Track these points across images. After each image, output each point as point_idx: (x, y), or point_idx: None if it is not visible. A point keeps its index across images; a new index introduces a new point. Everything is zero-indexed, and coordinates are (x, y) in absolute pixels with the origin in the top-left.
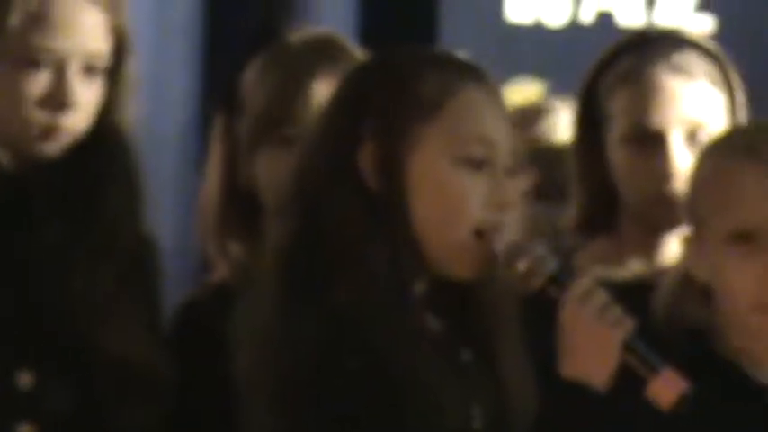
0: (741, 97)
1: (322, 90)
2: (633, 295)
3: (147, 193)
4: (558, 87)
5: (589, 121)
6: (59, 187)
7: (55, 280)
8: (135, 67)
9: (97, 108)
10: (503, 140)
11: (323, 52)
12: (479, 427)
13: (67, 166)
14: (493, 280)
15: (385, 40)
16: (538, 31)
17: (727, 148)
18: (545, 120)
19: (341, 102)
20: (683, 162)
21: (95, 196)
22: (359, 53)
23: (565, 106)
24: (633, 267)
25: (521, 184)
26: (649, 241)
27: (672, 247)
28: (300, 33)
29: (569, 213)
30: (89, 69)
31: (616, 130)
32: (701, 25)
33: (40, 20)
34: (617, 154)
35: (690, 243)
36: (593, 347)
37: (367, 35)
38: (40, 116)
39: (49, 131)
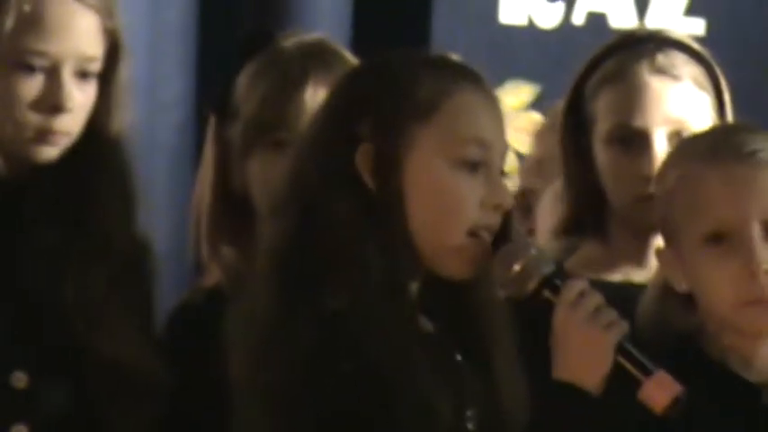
0: (727, 99)
1: (315, 95)
2: (622, 301)
3: (140, 197)
4: (550, 89)
5: (576, 124)
6: (52, 190)
7: (48, 283)
8: (129, 70)
9: (91, 111)
10: (498, 142)
11: (316, 57)
12: (473, 429)
13: (61, 169)
14: (486, 281)
15: (378, 42)
16: (530, 32)
17: (691, 154)
18: None
19: (337, 103)
20: None
21: (88, 200)
22: (351, 58)
23: None
24: (623, 272)
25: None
26: (638, 245)
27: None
28: (293, 38)
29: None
30: (83, 73)
31: (601, 131)
32: (692, 28)
33: (33, 23)
34: (602, 155)
35: (664, 254)
36: (586, 350)
37: (360, 37)
38: (33, 119)
39: (42, 134)
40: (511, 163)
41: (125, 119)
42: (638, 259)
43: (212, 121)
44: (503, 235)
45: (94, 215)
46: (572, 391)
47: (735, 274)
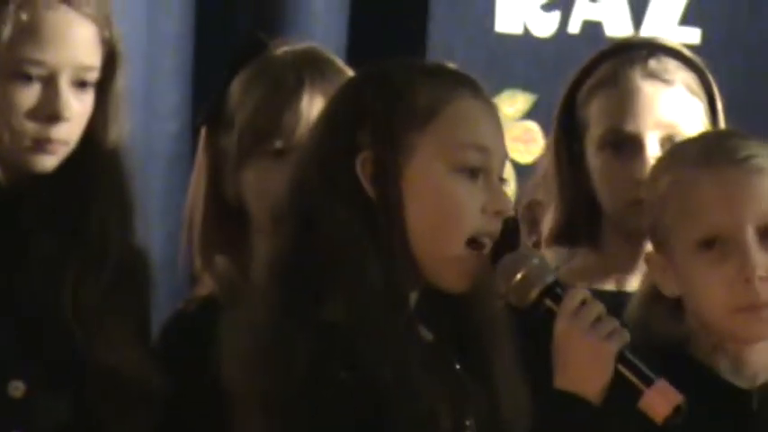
0: (720, 106)
1: (311, 103)
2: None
3: (137, 206)
4: (546, 97)
5: (569, 130)
6: (50, 199)
7: (45, 291)
8: (126, 80)
9: (88, 121)
10: (497, 148)
11: (310, 65)
12: None
13: (58, 178)
14: (485, 291)
15: (374, 51)
16: (526, 41)
17: (682, 160)
18: None
19: (336, 112)
20: None
21: (86, 209)
22: (344, 66)
23: None
24: (616, 279)
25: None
26: (630, 251)
27: None
28: (286, 47)
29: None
30: (80, 82)
31: (594, 136)
32: (687, 37)
33: (31, 32)
34: (595, 160)
35: (653, 261)
36: (587, 359)
37: (356, 46)
38: (31, 128)
39: (40, 143)
40: (507, 172)
41: (122, 128)
42: (631, 266)
43: (204, 130)
44: (509, 243)
45: (92, 224)
46: (573, 401)
47: (729, 279)
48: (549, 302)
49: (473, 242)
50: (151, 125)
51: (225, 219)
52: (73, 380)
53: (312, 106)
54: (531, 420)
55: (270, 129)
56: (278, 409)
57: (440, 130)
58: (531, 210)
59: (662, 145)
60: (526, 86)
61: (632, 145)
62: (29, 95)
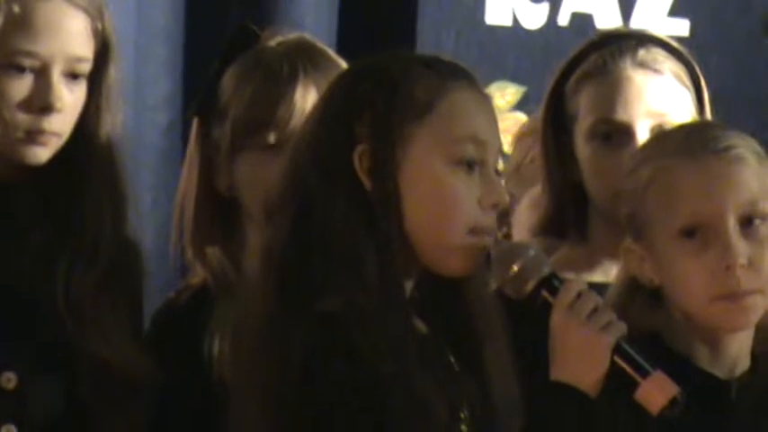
0: (707, 97)
1: (305, 94)
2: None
3: (129, 198)
4: (536, 89)
5: (557, 121)
6: (42, 191)
7: (37, 283)
8: (119, 71)
9: (81, 113)
10: (493, 140)
11: (304, 56)
12: (466, 430)
13: (50, 170)
14: (479, 282)
15: (364, 43)
16: (516, 33)
17: (663, 150)
18: None
19: (333, 104)
20: None
21: (78, 201)
22: (335, 56)
23: None
24: (604, 270)
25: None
26: (618, 242)
27: None
28: (278, 38)
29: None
30: (73, 74)
31: (583, 126)
32: (676, 29)
33: (23, 24)
34: (584, 150)
35: (631, 251)
36: (583, 351)
37: (346, 38)
38: (23, 119)
39: (32, 135)
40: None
41: (115, 120)
42: (618, 257)
43: (196, 121)
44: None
45: (84, 216)
46: (569, 392)
47: (710, 267)
48: (545, 294)
49: (474, 233)
50: (142, 116)
51: (216, 209)
52: (65, 371)
53: (306, 98)
54: (524, 411)
55: (264, 120)
56: (274, 401)
57: (437, 123)
58: None
59: (652, 134)
60: (516, 78)
61: (623, 134)
62: (21, 87)
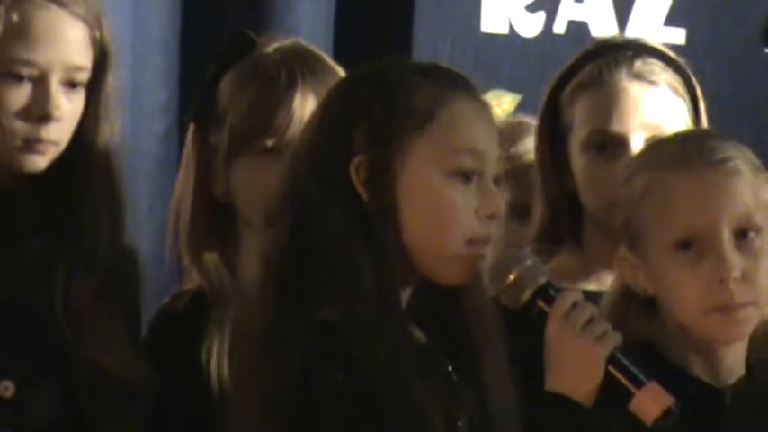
0: (703, 107)
1: (303, 101)
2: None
3: (126, 205)
4: (532, 97)
5: (552, 130)
6: (40, 199)
7: (35, 291)
8: (117, 80)
9: (79, 121)
10: (491, 150)
11: (302, 63)
12: None
13: (48, 178)
14: (477, 291)
15: (360, 50)
16: (512, 40)
17: (658, 160)
18: (523, 138)
19: (331, 113)
20: None
21: (76, 209)
22: (332, 62)
23: None
24: (598, 279)
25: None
26: (612, 251)
27: None
28: (275, 44)
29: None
30: (71, 82)
31: (578, 137)
32: (672, 37)
33: (21, 32)
34: (579, 161)
35: (625, 260)
36: (578, 361)
37: (342, 46)
38: (21, 128)
39: (30, 143)
40: None
41: (113, 129)
42: (613, 266)
43: (192, 126)
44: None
45: (82, 224)
46: (564, 403)
47: (704, 280)
48: (541, 303)
49: (472, 243)
50: (138, 124)
51: (213, 215)
52: (63, 379)
53: (304, 105)
54: (522, 421)
55: (262, 127)
56: (272, 407)
57: (435, 135)
58: None
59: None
60: (512, 86)
61: (617, 146)
62: (19, 95)
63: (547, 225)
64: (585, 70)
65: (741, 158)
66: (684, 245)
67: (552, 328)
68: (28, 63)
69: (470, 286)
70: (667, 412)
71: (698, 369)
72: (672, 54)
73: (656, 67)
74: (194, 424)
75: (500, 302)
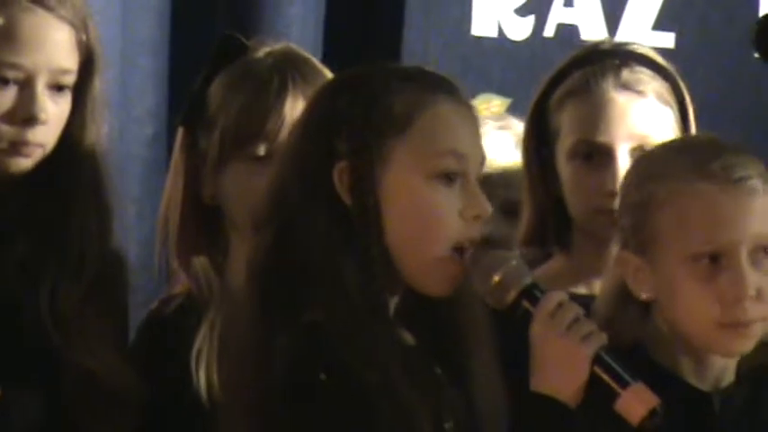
0: (692, 113)
1: (294, 106)
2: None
3: (114, 209)
4: (521, 101)
5: (539, 136)
6: (27, 203)
7: (22, 295)
8: (104, 83)
9: (66, 124)
10: (474, 152)
11: (292, 67)
12: None
13: (35, 181)
14: (466, 294)
15: (350, 54)
16: (501, 44)
17: (678, 170)
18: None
19: (313, 119)
20: None
21: (63, 212)
22: (322, 66)
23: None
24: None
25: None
26: (600, 256)
27: None
28: (265, 48)
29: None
30: (57, 85)
31: (564, 145)
32: (661, 41)
33: (7, 36)
34: (565, 168)
35: (627, 262)
36: (563, 362)
37: (332, 49)
38: (7, 131)
39: (16, 146)
40: None
41: (100, 132)
42: (601, 270)
43: (181, 130)
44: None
45: (69, 228)
46: (548, 403)
47: (719, 295)
48: (526, 304)
49: (457, 249)
50: (127, 128)
51: (202, 219)
52: (49, 382)
53: (295, 109)
54: (508, 423)
55: (254, 132)
56: (259, 410)
57: (417, 138)
58: None
59: (632, 156)
60: (501, 90)
61: (603, 155)
62: (5, 98)
63: (534, 228)
64: (573, 77)
65: (758, 175)
66: (703, 259)
67: (537, 328)
68: (14, 66)
69: (458, 290)
70: (653, 413)
71: (688, 373)
72: (660, 60)
73: (643, 76)
74: (183, 428)
75: (485, 303)
